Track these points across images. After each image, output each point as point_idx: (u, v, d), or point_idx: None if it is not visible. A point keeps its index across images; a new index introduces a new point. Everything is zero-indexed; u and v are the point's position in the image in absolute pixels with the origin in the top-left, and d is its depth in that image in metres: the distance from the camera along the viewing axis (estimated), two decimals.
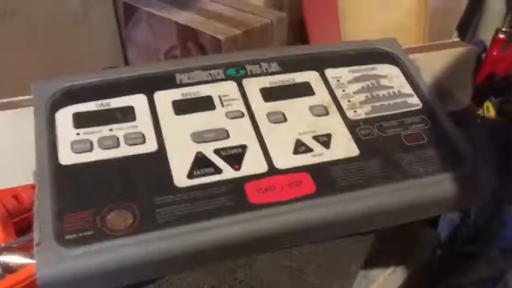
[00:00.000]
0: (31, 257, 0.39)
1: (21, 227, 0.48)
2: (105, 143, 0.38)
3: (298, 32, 0.79)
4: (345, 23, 0.70)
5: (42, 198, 0.35)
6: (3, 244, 0.42)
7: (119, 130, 0.39)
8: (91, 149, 0.37)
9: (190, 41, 0.67)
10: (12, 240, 0.44)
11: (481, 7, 0.91)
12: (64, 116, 0.39)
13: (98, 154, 0.37)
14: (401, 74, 0.47)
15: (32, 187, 0.45)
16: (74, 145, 0.37)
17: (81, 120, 0.39)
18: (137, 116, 0.40)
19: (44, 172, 0.36)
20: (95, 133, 0.38)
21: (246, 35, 0.66)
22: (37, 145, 0.37)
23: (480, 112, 0.73)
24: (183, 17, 0.69)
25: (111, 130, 0.39)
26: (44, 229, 0.33)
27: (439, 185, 0.39)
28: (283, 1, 0.79)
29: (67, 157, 0.37)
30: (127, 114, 0.40)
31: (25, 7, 0.68)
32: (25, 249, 0.42)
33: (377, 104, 0.44)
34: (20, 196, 0.48)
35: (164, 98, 0.42)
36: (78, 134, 0.38)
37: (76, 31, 0.75)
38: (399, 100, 0.45)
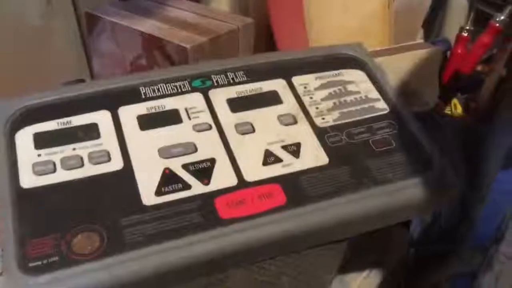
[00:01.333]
0: None
1: None
2: (68, 164, 0.37)
3: (266, 36, 0.78)
4: (310, 27, 0.70)
5: (3, 224, 0.33)
6: None
7: (83, 149, 0.38)
8: (54, 170, 0.36)
9: (156, 50, 0.66)
10: None
11: (445, 5, 0.93)
12: (24, 137, 0.38)
13: (61, 175, 0.36)
14: (367, 78, 0.47)
15: None
16: (35, 167, 0.36)
17: (42, 140, 0.38)
18: (101, 133, 0.39)
19: (4, 196, 0.34)
20: (57, 153, 0.37)
21: (213, 42, 0.65)
22: None
23: (448, 109, 0.75)
24: (148, 26, 0.67)
25: (74, 149, 0.38)
26: (7, 257, 0.32)
27: (409, 190, 0.39)
28: (249, 6, 0.79)
29: (28, 180, 0.35)
30: (91, 131, 0.39)
31: None
32: None
33: (345, 110, 0.44)
34: None
35: (129, 113, 0.41)
36: (39, 155, 0.37)
37: (37, 44, 0.72)
38: (366, 105, 0.45)
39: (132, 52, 0.69)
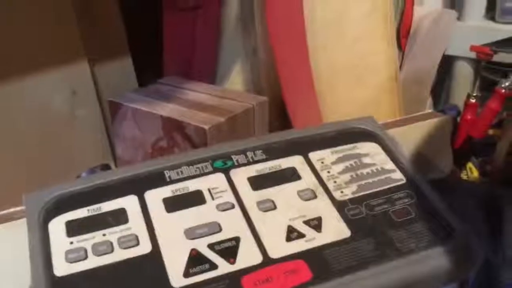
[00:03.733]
0: None
1: None
2: (99, 249, 0.38)
3: (280, 112, 0.81)
4: (322, 101, 0.73)
5: None
6: None
7: (113, 234, 0.39)
8: (85, 257, 0.37)
9: (176, 132, 0.69)
10: None
11: (451, 73, 0.96)
12: (57, 225, 0.39)
13: (92, 262, 0.37)
14: (381, 150, 0.49)
15: None
16: (68, 255, 0.37)
17: (74, 228, 0.39)
18: (130, 218, 0.41)
19: (40, 285, 0.36)
20: (88, 240, 0.39)
21: (230, 121, 0.68)
22: (31, 257, 0.37)
23: (464, 173, 0.75)
24: (167, 110, 0.71)
25: (104, 235, 0.39)
26: None
27: (433, 260, 0.39)
28: (262, 85, 0.82)
29: (62, 268, 0.37)
30: (119, 216, 0.41)
31: (8, 113, 0.70)
32: None
33: (362, 182, 0.45)
34: None
35: (155, 196, 0.42)
36: (71, 242, 0.38)
37: (63, 131, 0.76)
38: (383, 177, 0.46)
39: (153, 135, 0.72)
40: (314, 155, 0.48)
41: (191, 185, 0.44)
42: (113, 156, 0.81)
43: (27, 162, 0.71)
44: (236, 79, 0.87)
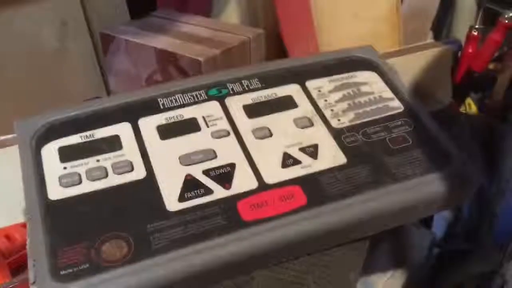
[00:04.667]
0: None
1: (16, 267, 0.47)
2: (93, 175, 0.38)
3: (276, 46, 0.79)
4: (320, 35, 0.71)
5: (34, 235, 0.34)
6: None
7: (106, 160, 0.39)
8: (79, 182, 0.37)
9: (170, 65, 0.67)
10: (8, 280, 0.43)
11: (453, 6, 0.93)
12: (50, 151, 0.39)
13: (87, 186, 0.37)
14: (380, 79, 0.48)
15: (23, 225, 0.45)
16: (62, 180, 0.37)
17: (67, 154, 0.39)
18: (124, 144, 0.40)
19: (34, 209, 0.36)
20: (82, 166, 0.38)
21: (225, 54, 0.67)
22: (25, 182, 0.37)
23: (462, 109, 0.75)
24: (161, 42, 0.69)
25: (98, 161, 0.39)
26: (39, 266, 0.33)
27: (429, 186, 0.39)
28: (258, 18, 0.80)
29: (56, 192, 0.37)
30: (113, 143, 0.40)
31: None
32: None
33: (360, 110, 0.45)
34: (11, 235, 0.48)
35: (149, 124, 0.42)
36: (65, 168, 0.38)
37: (54, 65, 0.74)
38: (380, 105, 0.45)
39: (147, 68, 0.70)
40: (311, 84, 0.47)
41: (186, 113, 0.43)
42: (107, 90, 0.79)
43: (15, 96, 0.70)
44: (232, 14, 0.84)
